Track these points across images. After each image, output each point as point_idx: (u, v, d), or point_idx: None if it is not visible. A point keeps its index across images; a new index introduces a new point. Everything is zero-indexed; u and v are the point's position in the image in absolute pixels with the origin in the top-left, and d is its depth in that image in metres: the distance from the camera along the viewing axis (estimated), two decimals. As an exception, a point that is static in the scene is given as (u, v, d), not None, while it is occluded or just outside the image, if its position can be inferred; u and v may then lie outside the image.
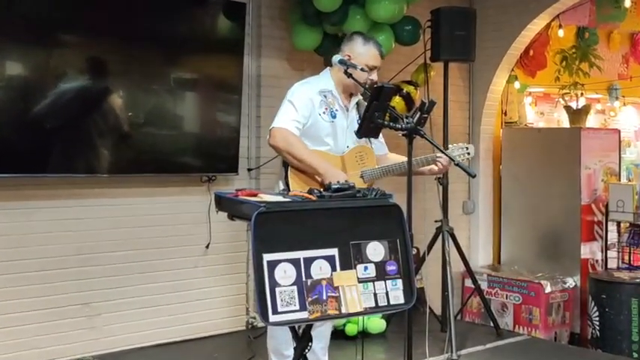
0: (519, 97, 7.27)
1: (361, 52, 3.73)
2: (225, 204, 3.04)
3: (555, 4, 6.23)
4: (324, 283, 2.60)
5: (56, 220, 4.57)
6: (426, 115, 3.30)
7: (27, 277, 4.46)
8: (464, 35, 5.53)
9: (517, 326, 6.21)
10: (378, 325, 5.34)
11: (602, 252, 6.53)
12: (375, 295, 2.70)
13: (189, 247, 5.14)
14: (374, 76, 3.73)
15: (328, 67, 3.89)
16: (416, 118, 3.25)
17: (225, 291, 5.32)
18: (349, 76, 3.63)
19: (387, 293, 2.72)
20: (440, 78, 5.74)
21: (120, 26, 4.62)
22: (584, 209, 6.39)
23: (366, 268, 2.70)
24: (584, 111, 7.26)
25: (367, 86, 3.68)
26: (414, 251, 5.22)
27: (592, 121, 7.79)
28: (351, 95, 3.81)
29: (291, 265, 2.56)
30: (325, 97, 3.71)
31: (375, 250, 2.73)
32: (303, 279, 2.57)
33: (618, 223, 6.52)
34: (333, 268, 2.64)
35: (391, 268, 2.75)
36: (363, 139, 3.68)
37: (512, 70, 6.82)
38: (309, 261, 2.60)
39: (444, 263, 5.30)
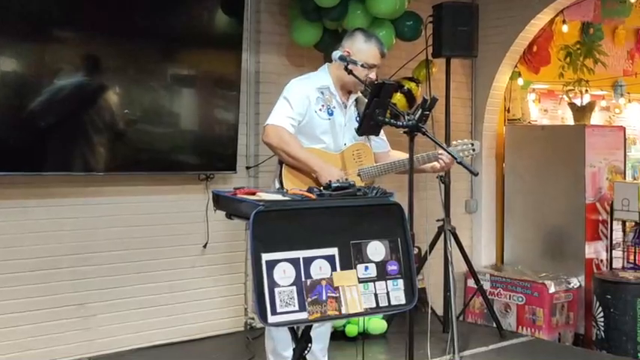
0: (523, 93, 7.27)
1: (361, 49, 3.72)
2: (224, 203, 3.04)
3: (559, -1, 6.24)
4: (323, 283, 2.60)
5: (51, 219, 4.57)
6: (427, 112, 3.29)
7: (21, 277, 4.46)
8: (466, 31, 5.53)
9: (520, 327, 6.21)
10: (379, 325, 5.34)
11: (607, 251, 6.53)
12: (376, 295, 2.70)
13: (186, 246, 5.14)
14: (373, 75, 3.72)
15: (327, 64, 3.89)
16: (417, 116, 3.25)
17: (223, 291, 5.32)
18: (350, 72, 3.62)
19: (387, 293, 2.72)
20: (442, 74, 5.74)
21: (116, 21, 4.61)
22: (588, 208, 6.39)
23: (366, 268, 2.70)
24: (589, 108, 7.26)
25: (367, 84, 3.68)
26: (416, 251, 5.22)
27: (597, 118, 7.79)
28: (349, 92, 3.80)
29: (290, 265, 2.56)
30: (322, 93, 3.71)
31: (376, 249, 2.73)
32: (303, 279, 2.57)
33: (623, 222, 6.52)
34: (333, 268, 2.64)
35: (392, 267, 2.75)
36: (362, 136, 3.68)
37: (516, 66, 6.82)
38: (308, 261, 2.60)
39: (446, 263, 5.30)
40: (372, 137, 3.76)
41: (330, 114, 3.70)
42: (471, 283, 6.28)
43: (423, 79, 5.82)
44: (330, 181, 3.01)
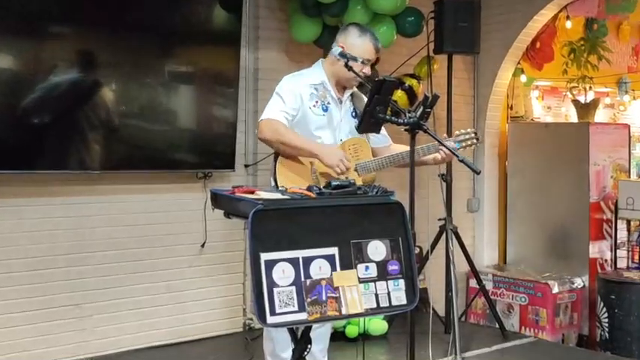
0: (526, 90, 7.28)
1: (355, 43, 3.72)
2: (222, 201, 3.04)
3: (563, -6, 6.24)
4: (323, 283, 2.60)
5: (46, 218, 4.57)
6: (429, 110, 3.29)
7: (16, 277, 4.46)
8: (468, 27, 5.52)
9: (523, 328, 6.21)
10: (380, 326, 5.34)
11: (611, 251, 6.53)
12: (377, 295, 2.70)
13: (184, 246, 5.14)
14: (366, 70, 3.71)
15: (320, 59, 3.89)
16: (419, 113, 3.25)
17: (222, 291, 5.32)
18: (349, 69, 3.63)
19: (388, 294, 2.72)
20: (443, 71, 5.74)
21: (112, 17, 4.61)
22: (592, 207, 6.39)
23: (367, 268, 2.70)
24: (593, 105, 7.27)
25: (367, 81, 3.67)
26: (417, 250, 5.22)
27: (601, 115, 7.80)
28: (344, 88, 3.80)
29: (289, 265, 2.56)
30: (316, 89, 3.71)
31: (377, 249, 2.73)
32: (302, 279, 2.56)
33: (628, 222, 6.52)
34: (333, 268, 2.63)
35: (393, 267, 2.74)
36: (362, 133, 3.68)
37: (519, 62, 6.81)
38: (308, 260, 2.59)
39: (448, 263, 5.30)
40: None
41: (325, 110, 3.71)
42: (473, 283, 6.28)
43: (424, 76, 5.82)
44: (330, 164, 3.05)
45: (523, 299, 6.25)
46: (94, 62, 4.59)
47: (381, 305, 2.70)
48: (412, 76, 5.78)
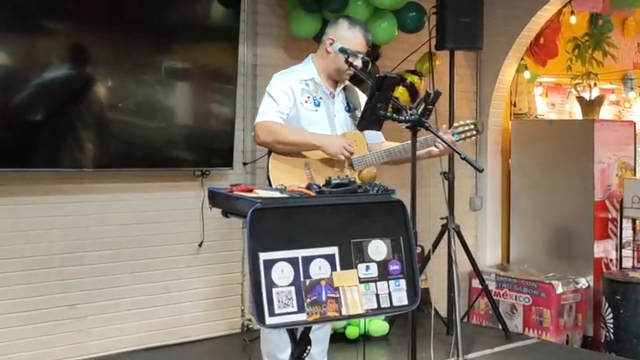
0: (529, 87, 7.27)
1: (345, 36, 3.72)
2: (220, 200, 3.04)
3: (567, -11, 6.24)
4: (323, 283, 2.60)
5: (41, 217, 4.57)
6: (430, 107, 3.29)
7: (10, 277, 4.46)
8: (471, 22, 5.52)
9: (527, 329, 6.21)
10: (381, 327, 5.34)
11: (616, 250, 6.53)
12: (377, 296, 2.69)
13: (181, 245, 5.14)
14: (357, 63, 3.71)
15: (310, 55, 3.90)
16: (420, 110, 3.25)
17: (219, 292, 5.32)
18: (350, 65, 3.63)
19: (389, 294, 2.71)
20: (445, 67, 5.74)
21: (108, 13, 4.61)
22: (597, 206, 6.39)
23: (367, 268, 2.69)
24: (598, 102, 7.26)
25: (368, 77, 3.68)
26: (419, 250, 5.24)
27: (606, 112, 7.78)
28: (336, 82, 3.81)
29: (288, 265, 2.56)
30: (307, 85, 3.72)
31: (377, 248, 2.73)
32: (302, 279, 2.56)
33: (634, 220, 6.52)
34: (333, 268, 2.63)
35: (394, 267, 2.74)
36: (352, 125, 3.69)
37: (522, 58, 6.81)
38: (307, 260, 2.59)
39: (450, 262, 5.30)
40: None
41: (317, 105, 3.72)
42: (475, 283, 6.28)
43: (426, 72, 5.82)
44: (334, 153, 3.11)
45: (526, 300, 6.25)
46: (89, 59, 4.59)
47: (382, 306, 2.70)
48: (414, 72, 5.78)
